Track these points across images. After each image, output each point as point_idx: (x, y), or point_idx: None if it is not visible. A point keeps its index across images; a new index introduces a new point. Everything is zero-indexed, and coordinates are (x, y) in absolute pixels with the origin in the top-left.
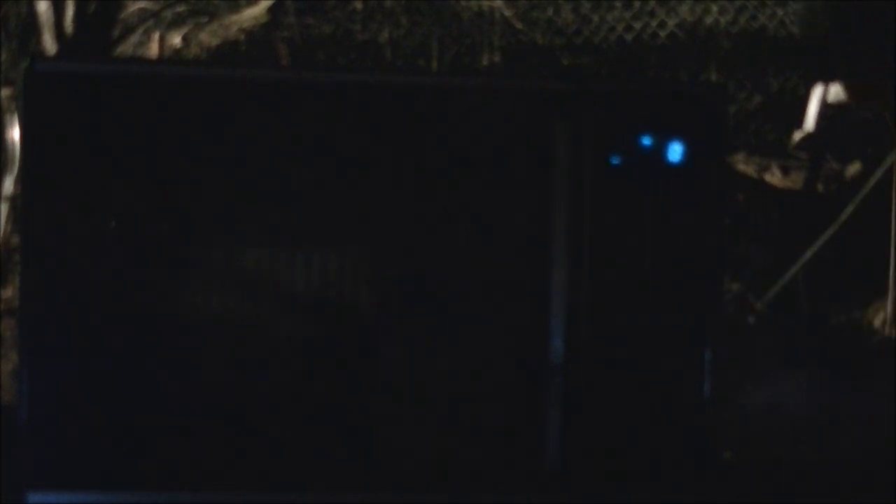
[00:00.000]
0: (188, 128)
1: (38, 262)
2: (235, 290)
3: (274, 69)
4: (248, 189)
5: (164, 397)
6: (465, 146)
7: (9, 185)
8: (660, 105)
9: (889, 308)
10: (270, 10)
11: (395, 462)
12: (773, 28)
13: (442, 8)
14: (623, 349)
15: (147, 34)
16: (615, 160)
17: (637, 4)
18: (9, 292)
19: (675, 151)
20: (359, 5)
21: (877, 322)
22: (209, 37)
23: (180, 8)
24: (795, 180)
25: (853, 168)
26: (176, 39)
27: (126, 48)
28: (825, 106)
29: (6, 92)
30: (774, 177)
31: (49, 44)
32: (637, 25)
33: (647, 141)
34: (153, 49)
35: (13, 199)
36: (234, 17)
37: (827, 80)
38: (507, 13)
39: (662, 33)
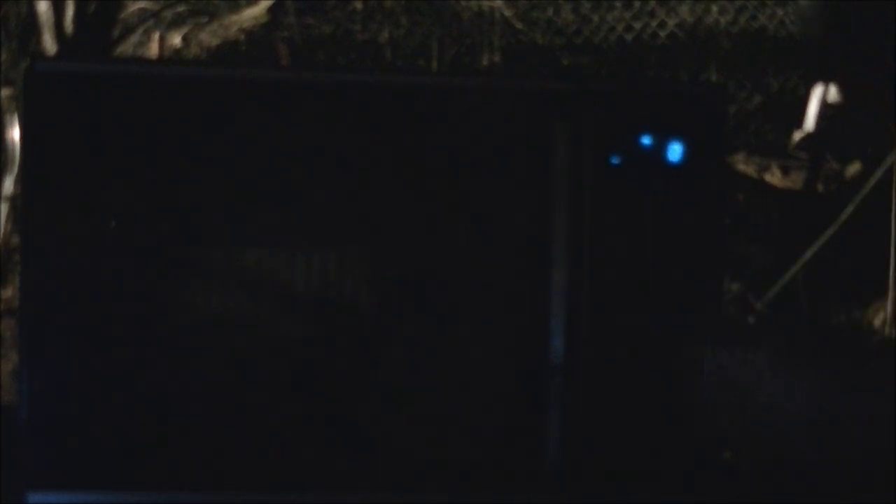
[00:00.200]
0: (188, 128)
1: (38, 262)
2: (235, 290)
3: (274, 69)
4: (248, 189)
5: (163, 397)
6: (466, 146)
7: (9, 185)
8: (660, 105)
9: (889, 308)
10: (270, 10)
11: (395, 462)
12: (773, 28)
13: (442, 8)
14: (623, 349)
15: (147, 34)
16: (615, 160)
17: (637, 4)
18: (9, 292)
19: (675, 151)
20: (359, 5)
21: (877, 322)
22: (209, 37)
23: (180, 8)
24: (795, 180)
25: (853, 168)
26: (176, 39)
27: (126, 48)
28: (825, 106)
29: (6, 92)
30: (774, 177)
31: (49, 44)
32: (637, 25)
33: (647, 141)
34: (153, 49)
35: (13, 199)
36: (234, 17)
37: (827, 80)
38: (507, 13)
39: (662, 33)
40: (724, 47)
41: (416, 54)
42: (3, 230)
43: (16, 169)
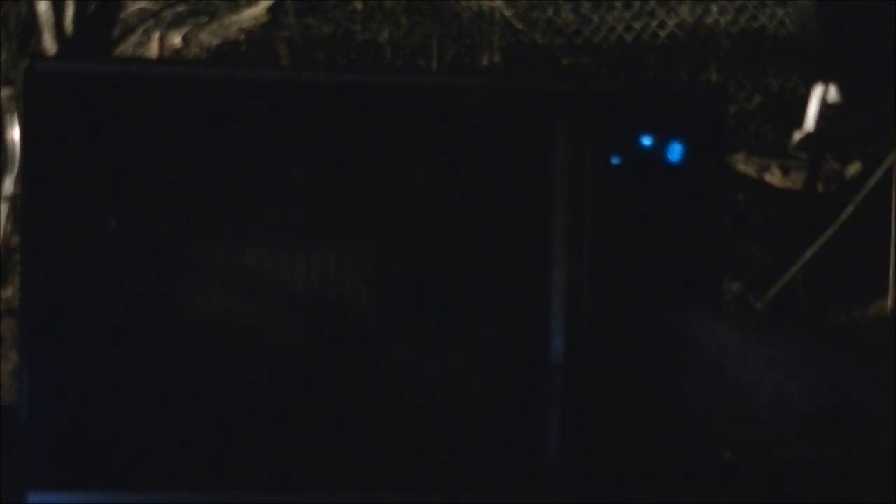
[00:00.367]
0: (188, 128)
1: (38, 262)
2: (235, 290)
3: (274, 69)
4: (248, 189)
5: (163, 397)
6: (466, 146)
7: (9, 185)
8: (660, 105)
9: (889, 308)
10: (270, 10)
11: (395, 462)
12: (773, 28)
13: (442, 8)
14: (623, 349)
15: (147, 34)
16: (615, 160)
17: (637, 4)
18: (9, 292)
19: (675, 151)
20: (359, 5)
21: (877, 322)
22: (209, 37)
23: (180, 8)
24: (795, 180)
25: (853, 168)
26: (176, 39)
27: (126, 48)
28: (825, 106)
29: (6, 92)
30: (774, 177)
31: (49, 44)
32: (637, 25)
33: (647, 141)
34: (153, 49)
35: (13, 199)
36: (234, 17)
37: (827, 81)
38: (507, 13)
39: (662, 33)
40: (724, 47)
41: (416, 54)
42: (3, 230)
43: (16, 169)
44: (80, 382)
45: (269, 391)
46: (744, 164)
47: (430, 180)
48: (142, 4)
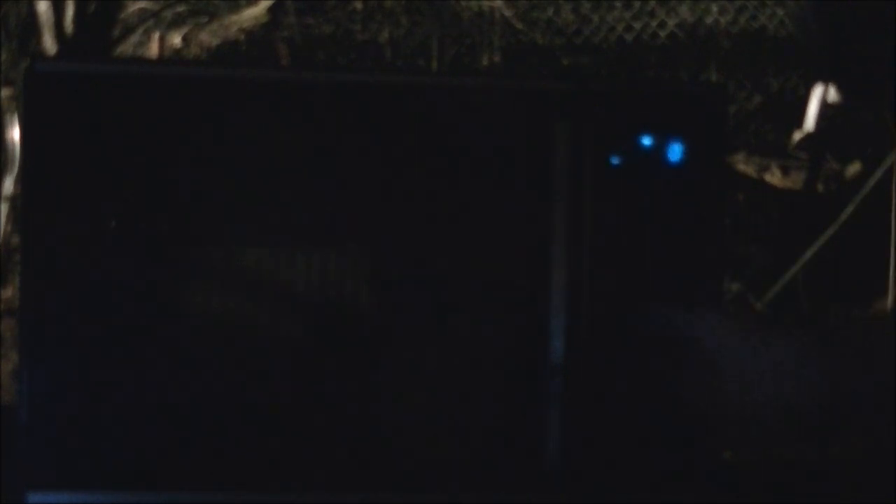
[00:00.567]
0: (188, 128)
1: (38, 262)
2: (235, 290)
3: (274, 69)
4: (248, 189)
5: (164, 397)
6: (465, 146)
7: (9, 185)
8: (660, 105)
9: (889, 308)
10: (270, 10)
11: (395, 462)
12: (773, 28)
13: (442, 8)
14: (623, 349)
15: (147, 34)
16: (615, 160)
17: (637, 4)
18: (9, 292)
19: (675, 151)
20: (359, 5)
21: (876, 322)
22: (209, 37)
23: (180, 8)
24: (795, 180)
25: (853, 168)
26: (176, 39)
27: (126, 48)
28: (825, 106)
29: (6, 92)
30: (774, 177)
31: (49, 44)
32: (637, 25)
33: (647, 141)
34: (153, 49)
35: (13, 199)
36: (234, 17)
37: (827, 81)
38: (507, 13)
39: (662, 33)
40: (724, 47)
41: (416, 54)
42: (3, 230)
43: (16, 169)
44: (80, 382)
45: (268, 391)
46: (744, 164)
47: (430, 180)
48: (142, 4)
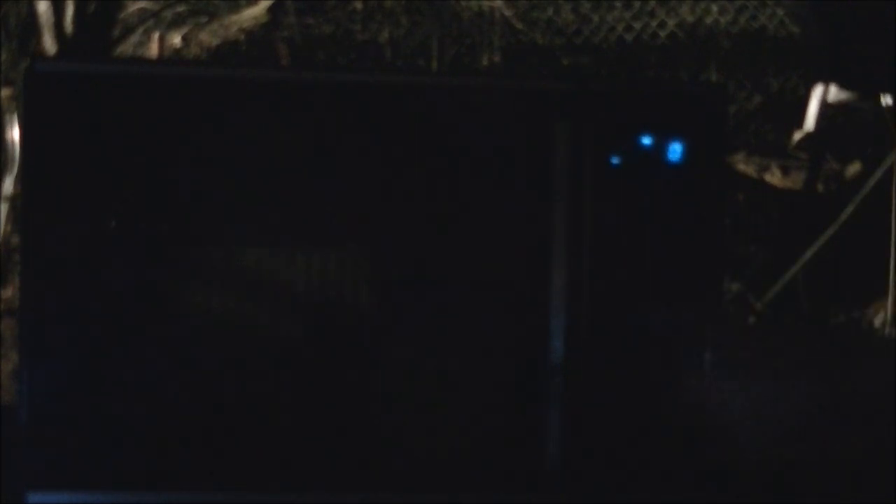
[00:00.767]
0: (188, 128)
1: (38, 262)
2: (235, 290)
3: (274, 69)
4: (248, 189)
5: (163, 397)
6: (465, 146)
7: (9, 185)
8: (660, 105)
9: (889, 308)
10: (270, 10)
11: (395, 462)
12: (773, 28)
13: (442, 8)
14: (623, 349)
15: (147, 34)
16: (615, 160)
17: (637, 4)
18: (9, 292)
19: (675, 151)
20: (359, 5)
21: (877, 322)
22: (209, 37)
23: (180, 8)
24: (795, 180)
25: (853, 168)
26: (176, 39)
27: (126, 48)
28: (825, 106)
29: (6, 92)
30: (774, 177)
31: (49, 44)
32: (637, 25)
33: (647, 141)
34: (153, 49)
35: (13, 199)
36: (234, 17)
37: (827, 81)
38: (507, 13)
39: (662, 33)
40: (724, 47)
41: (416, 54)
42: (3, 230)
43: (16, 169)
44: (80, 382)
45: (268, 391)
46: (744, 164)
47: (430, 180)
48: (142, 4)
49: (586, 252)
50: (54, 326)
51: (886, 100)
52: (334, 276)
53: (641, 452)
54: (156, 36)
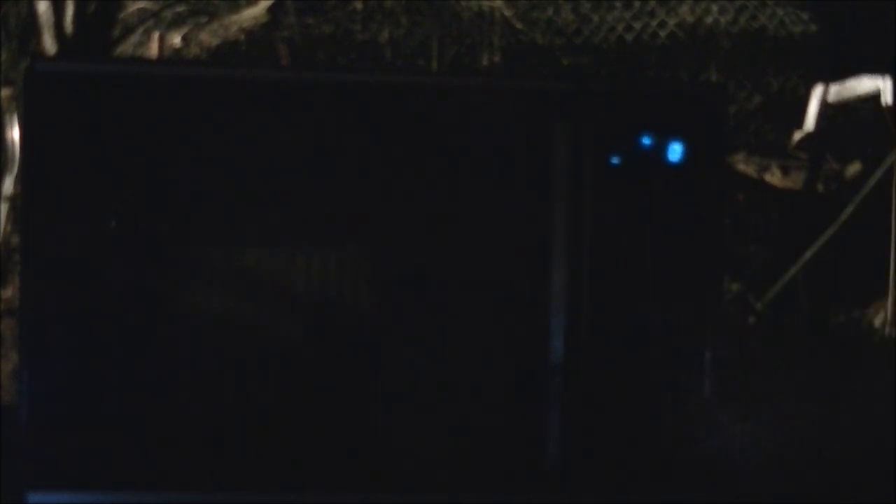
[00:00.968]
0: (188, 128)
1: (38, 262)
2: (235, 290)
3: (274, 69)
4: (248, 189)
5: (163, 397)
6: (465, 146)
7: (9, 185)
8: (660, 105)
9: (889, 308)
10: (270, 10)
11: (395, 462)
12: (773, 28)
13: (442, 8)
14: (623, 349)
15: (147, 34)
16: (615, 160)
17: (637, 4)
18: (9, 292)
19: (675, 151)
20: (359, 5)
21: (877, 322)
22: (209, 37)
23: (180, 8)
24: (795, 180)
25: (853, 168)
26: (176, 39)
27: (126, 48)
28: (825, 106)
29: (6, 92)
30: (774, 177)
31: (49, 44)
32: (637, 25)
33: (647, 141)
34: (153, 49)
35: (13, 199)
36: (234, 17)
37: (827, 80)
38: (507, 13)
39: (662, 33)
40: (724, 47)
41: (416, 54)
42: (3, 230)
43: (16, 169)
44: (80, 382)
45: (268, 391)
46: (744, 164)
47: (430, 180)
48: (142, 4)
49: (586, 252)
50: (54, 326)
51: (886, 100)
52: (334, 276)
53: (641, 452)
54: (156, 36)
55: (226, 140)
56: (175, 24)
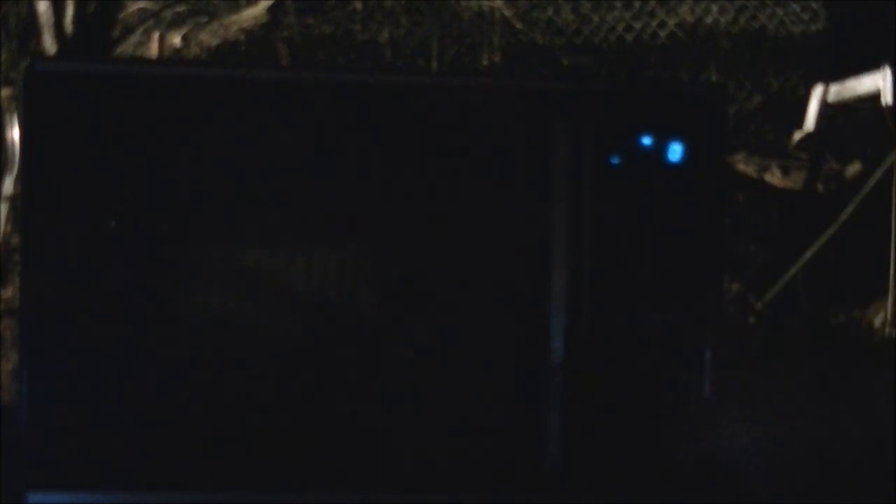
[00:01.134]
0: (188, 128)
1: (38, 262)
2: (235, 290)
3: (274, 69)
4: (248, 189)
5: (163, 397)
6: (465, 146)
7: (9, 185)
8: (660, 105)
9: (889, 308)
10: (270, 10)
11: (395, 462)
12: (773, 28)
13: (442, 8)
14: (623, 349)
15: (147, 34)
16: (615, 160)
17: (637, 4)
18: (9, 292)
19: (675, 151)
20: (359, 5)
21: (877, 322)
22: (209, 37)
23: (180, 8)
24: (795, 180)
25: (853, 168)
26: (176, 39)
27: (126, 48)
28: (825, 106)
29: (6, 92)
30: (774, 177)
31: (49, 44)
32: (637, 25)
33: (647, 141)
34: (153, 49)
35: (13, 199)
36: (234, 17)
37: (827, 80)
38: (507, 13)
39: (662, 33)
40: (724, 47)
41: (416, 54)
42: (3, 230)
43: (16, 169)
44: (80, 382)
45: (268, 391)
46: (744, 164)
47: (430, 180)
48: (142, 4)
49: (586, 252)
50: (54, 326)
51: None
52: (334, 276)
53: (641, 452)
54: (156, 36)
55: (226, 140)
56: (175, 24)
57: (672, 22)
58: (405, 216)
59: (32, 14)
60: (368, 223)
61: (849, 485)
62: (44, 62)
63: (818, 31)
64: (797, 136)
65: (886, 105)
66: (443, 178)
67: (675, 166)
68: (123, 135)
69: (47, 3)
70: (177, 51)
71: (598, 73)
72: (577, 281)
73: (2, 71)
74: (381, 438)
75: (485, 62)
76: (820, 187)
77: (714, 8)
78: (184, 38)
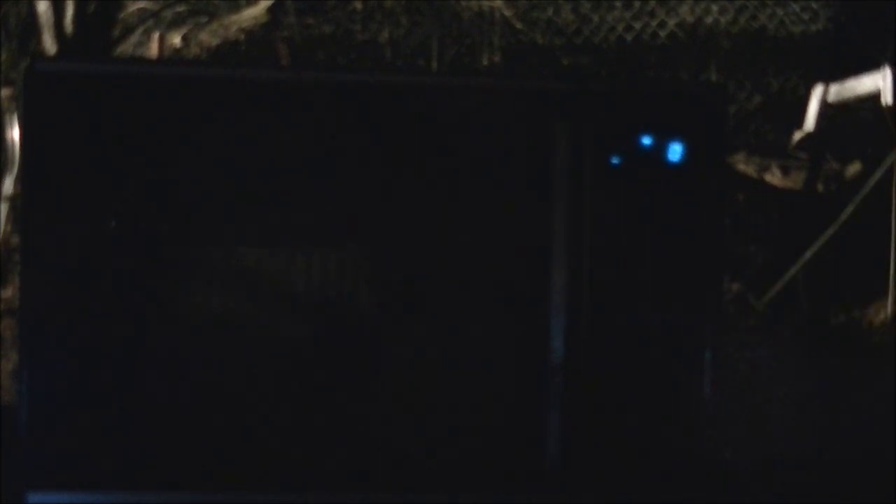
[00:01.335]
0: (188, 128)
1: (38, 262)
2: (235, 290)
3: (274, 69)
4: (248, 189)
5: (163, 397)
6: (465, 146)
7: (9, 185)
8: (660, 105)
9: (889, 308)
10: (270, 10)
11: (395, 462)
12: (773, 28)
13: (442, 8)
14: (623, 349)
15: (147, 34)
16: (615, 160)
17: (637, 4)
18: (9, 292)
19: (675, 151)
20: (359, 5)
21: (877, 322)
22: (209, 37)
23: (180, 8)
24: (795, 180)
25: (853, 168)
26: (176, 39)
27: (126, 48)
28: (825, 106)
29: (6, 92)
30: (774, 177)
31: (49, 44)
32: (637, 25)
33: (647, 141)
34: (153, 49)
35: (13, 199)
36: (234, 17)
37: (827, 80)
38: (507, 13)
39: (662, 33)
40: (724, 47)
41: (416, 54)
42: (3, 230)
43: (16, 169)
44: (80, 383)
45: (268, 391)
46: (744, 164)
47: (430, 180)
48: (142, 4)
49: (586, 252)
50: (54, 326)
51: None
52: (334, 276)
53: (641, 452)
54: (156, 36)
55: (226, 140)
56: (175, 24)
57: (672, 22)
58: (405, 216)
59: (32, 14)
60: (368, 223)
61: (849, 485)
62: (44, 62)
63: (818, 31)
64: (797, 136)
65: (886, 105)
66: (443, 178)
67: (675, 166)
68: (123, 135)
69: (47, 3)
70: (177, 51)
71: (598, 73)
72: (577, 281)
73: (2, 71)
74: (381, 438)
75: (485, 62)
76: (820, 187)
77: (714, 8)
78: (184, 38)
